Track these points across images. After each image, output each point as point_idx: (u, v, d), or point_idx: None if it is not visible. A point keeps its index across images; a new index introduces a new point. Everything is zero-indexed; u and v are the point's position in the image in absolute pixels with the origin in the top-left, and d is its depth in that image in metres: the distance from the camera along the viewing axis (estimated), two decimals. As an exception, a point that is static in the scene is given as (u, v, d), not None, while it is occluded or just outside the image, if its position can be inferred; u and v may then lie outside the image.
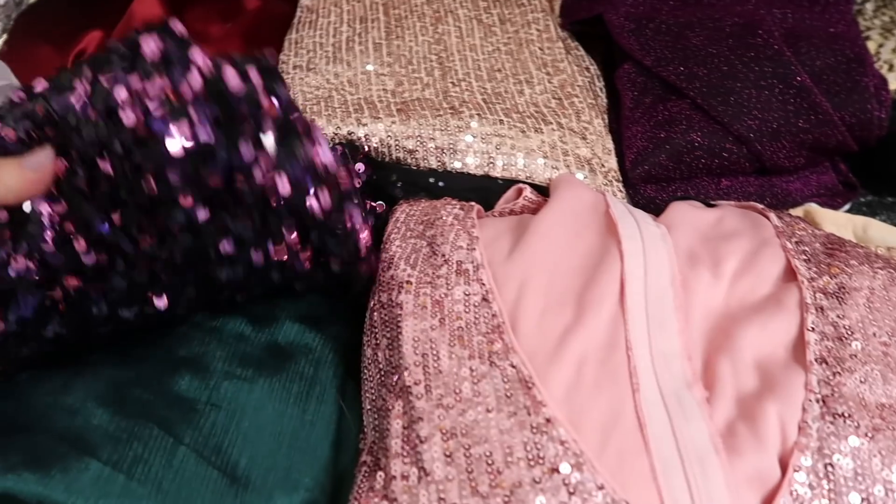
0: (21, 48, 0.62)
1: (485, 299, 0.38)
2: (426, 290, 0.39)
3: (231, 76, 0.34)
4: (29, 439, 0.32)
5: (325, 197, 0.36)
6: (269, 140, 0.34)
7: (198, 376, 0.37)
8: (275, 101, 0.35)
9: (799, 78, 0.53)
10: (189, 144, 0.33)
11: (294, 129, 0.35)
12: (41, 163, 0.34)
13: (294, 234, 0.37)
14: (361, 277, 0.42)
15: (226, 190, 0.34)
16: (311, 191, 0.36)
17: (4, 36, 0.65)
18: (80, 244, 0.34)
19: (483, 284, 0.39)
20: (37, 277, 0.34)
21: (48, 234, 0.34)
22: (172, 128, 0.33)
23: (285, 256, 0.37)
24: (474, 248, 0.40)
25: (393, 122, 0.52)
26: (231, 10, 0.64)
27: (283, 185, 0.35)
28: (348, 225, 0.38)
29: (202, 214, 0.34)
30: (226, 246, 0.36)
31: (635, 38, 0.59)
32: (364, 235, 0.40)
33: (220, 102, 0.33)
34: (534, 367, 0.35)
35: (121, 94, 0.33)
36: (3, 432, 0.33)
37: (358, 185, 0.41)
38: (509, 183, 0.52)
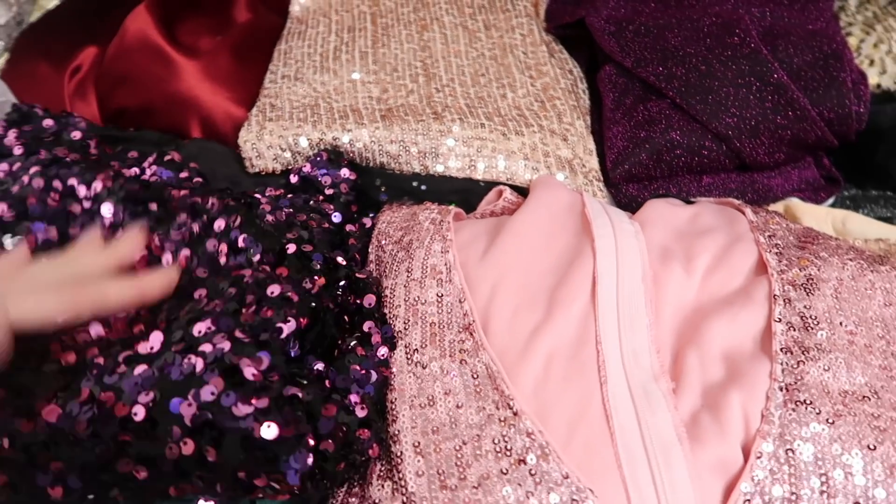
0: (21, 66, 0.64)
1: (458, 300, 0.39)
2: (401, 295, 0.40)
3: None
4: None
5: None
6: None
7: None
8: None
9: (776, 75, 0.54)
10: None
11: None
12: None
13: None
14: None
15: None
16: None
17: (6, 55, 0.67)
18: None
19: (455, 286, 0.40)
20: None
21: None
22: None
23: None
24: (447, 251, 0.42)
25: (377, 128, 0.54)
26: (222, 24, 0.65)
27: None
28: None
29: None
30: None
31: (616, 41, 0.60)
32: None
33: None
34: (504, 363, 0.36)
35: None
36: None
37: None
38: (491, 185, 0.53)
